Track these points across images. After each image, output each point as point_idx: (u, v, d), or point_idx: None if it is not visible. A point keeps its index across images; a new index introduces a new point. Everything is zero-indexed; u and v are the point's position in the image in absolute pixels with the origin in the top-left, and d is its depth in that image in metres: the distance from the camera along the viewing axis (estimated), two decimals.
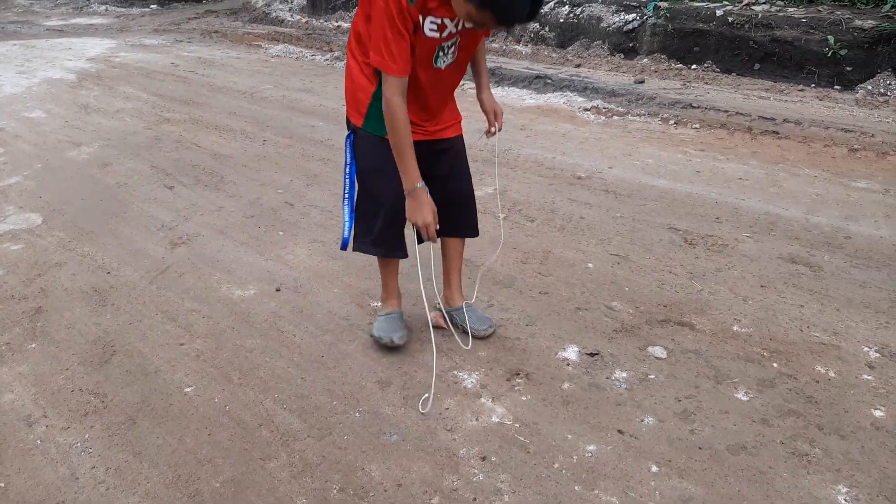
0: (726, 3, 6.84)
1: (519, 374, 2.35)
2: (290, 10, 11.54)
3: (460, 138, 2.37)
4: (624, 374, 2.33)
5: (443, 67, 2.08)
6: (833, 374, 2.32)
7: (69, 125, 5.41)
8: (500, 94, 6.21)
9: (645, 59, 7.06)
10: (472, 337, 2.50)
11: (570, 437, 2.06)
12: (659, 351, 2.46)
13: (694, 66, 6.74)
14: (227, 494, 1.88)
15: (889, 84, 5.65)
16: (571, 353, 2.46)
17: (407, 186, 2.05)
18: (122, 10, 13.37)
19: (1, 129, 5.31)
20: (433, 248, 2.42)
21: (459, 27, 2.00)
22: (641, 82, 6.23)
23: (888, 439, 2.03)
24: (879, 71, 5.74)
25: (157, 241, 3.38)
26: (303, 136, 5.06)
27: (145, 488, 1.90)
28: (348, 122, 2.26)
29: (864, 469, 1.92)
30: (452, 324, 2.59)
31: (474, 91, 2.45)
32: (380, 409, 2.19)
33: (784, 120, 5.01)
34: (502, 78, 6.59)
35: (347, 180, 2.29)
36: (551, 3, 8.01)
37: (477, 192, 2.54)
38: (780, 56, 6.22)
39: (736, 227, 3.41)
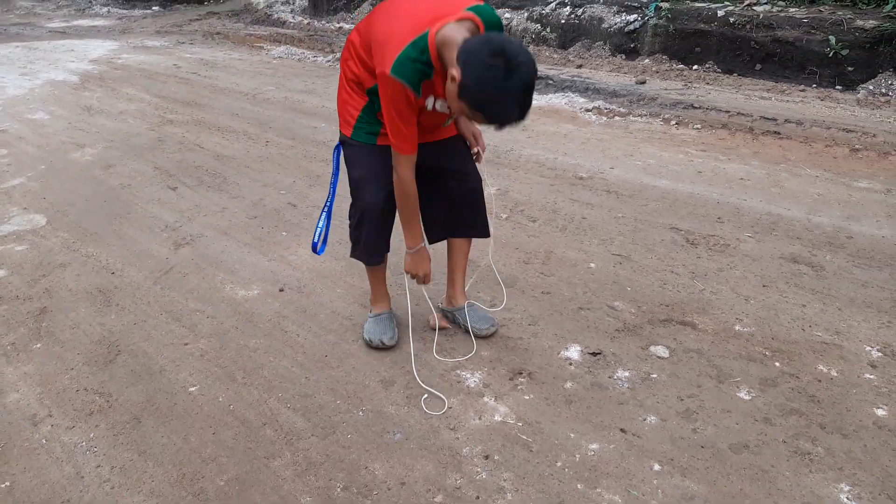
0: (727, 3, 6.85)
1: (521, 373, 2.36)
2: (292, 11, 11.57)
3: (459, 138, 2.38)
4: (626, 374, 2.34)
5: (439, 109, 2.12)
6: (835, 374, 2.32)
7: (72, 127, 5.43)
8: None
9: (646, 60, 7.07)
10: (474, 336, 2.51)
11: (572, 435, 2.07)
12: (661, 350, 2.46)
13: (695, 67, 6.75)
14: (231, 493, 1.89)
15: (890, 84, 5.65)
16: (574, 352, 2.46)
17: (411, 245, 2.25)
18: (124, 11, 13.40)
19: (4, 130, 5.33)
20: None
21: None
22: (643, 83, 6.24)
23: (890, 438, 2.03)
24: (881, 71, 5.75)
25: (161, 242, 3.39)
26: (305, 138, 5.08)
27: (150, 487, 1.92)
28: (340, 133, 2.33)
29: (867, 468, 1.93)
30: (454, 323, 2.61)
31: None
32: (383, 408, 2.21)
33: (785, 120, 5.02)
34: None
35: (331, 189, 2.39)
36: (553, 5, 8.03)
37: None
38: (781, 56, 6.23)
39: (738, 227, 3.42)
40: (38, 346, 2.57)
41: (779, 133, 4.83)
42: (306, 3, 11.46)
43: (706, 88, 6.03)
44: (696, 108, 5.42)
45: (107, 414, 2.20)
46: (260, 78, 7.25)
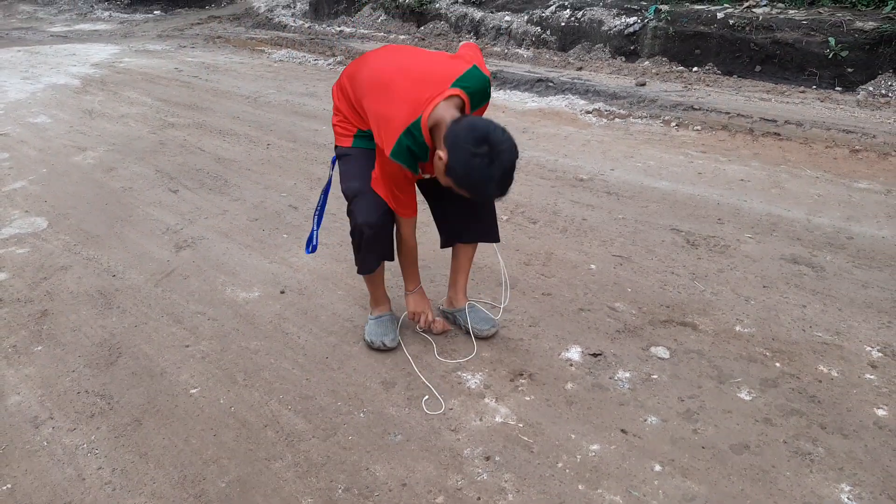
0: (727, 5, 6.86)
1: (522, 374, 2.36)
2: (293, 15, 11.59)
3: None
4: (627, 375, 2.34)
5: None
6: (836, 374, 2.33)
7: (74, 130, 5.44)
8: (502, 97, 6.23)
9: (646, 62, 7.08)
10: (475, 337, 2.52)
11: (573, 436, 2.07)
12: (662, 351, 2.47)
13: (695, 69, 6.76)
14: (232, 495, 1.89)
15: (890, 85, 5.65)
16: (574, 353, 2.47)
17: (411, 288, 2.49)
18: (126, 16, 13.43)
19: (6, 134, 5.34)
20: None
21: None
22: (643, 85, 6.25)
23: (891, 438, 2.03)
24: (880, 72, 5.75)
25: (162, 245, 3.40)
26: (306, 140, 5.09)
27: (151, 489, 1.92)
28: (337, 147, 2.39)
29: (867, 468, 1.93)
30: (455, 325, 2.61)
31: None
32: (384, 409, 2.21)
33: (785, 121, 5.02)
34: (504, 81, 6.61)
35: (322, 196, 2.49)
36: (553, 7, 8.04)
37: None
38: (781, 58, 6.24)
39: (738, 228, 3.42)
40: (40, 348, 2.58)
41: (779, 134, 4.84)
42: (307, 7, 11.49)
43: (706, 90, 6.04)
44: (696, 109, 5.43)
45: (108, 416, 2.21)
46: (261, 81, 7.27)
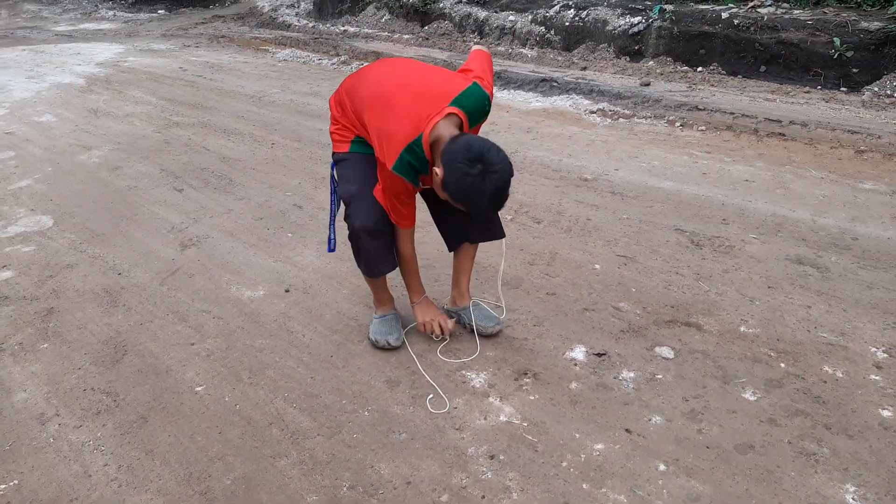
0: (732, 5, 6.85)
1: (527, 373, 2.36)
2: (297, 14, 11.61)
3: None
4: (631, 374, 2.35)
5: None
6: (841, 375, 2.32)
7: (79, 129, 5.46)
8: (506, 96, 6.23)
9: (650, 62, 7.07)
10: (478, 334, 2.52)
11: (577, 436, 2.07)
12: (666, 351, 2.47)
13: (700, 69, 6.75)
14: (238, 492, 1.90)
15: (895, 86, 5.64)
16: (579, 353, 2.47)
17: (415, 299, 2.52)
18: (130, 15, 13.46)
19: (11, 133, 5.36)
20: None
21: None
22: (647, 85, 6.24)
23: None
24: (886, 72, 5.74)
25: (168, 243, 3.41)
26: (311, 140, 5.10)
27: (157, 485, 1.93)
28: (334, 154, 2.42)
29: (872, 468, 1.93)
30: (459, 324, 2.61)
31: None
32: (389, 407, 2.21)
33: (790, 122, 5.01)
34: (508, 81, 6.61)
35: (332, 206, 2.53)
36: (557, 7, 8.04)
37: None
38: (785, 58, 6.22)
39: (743, 229, 3.42)
40: (46, 345, 2.59)
41: (784, 135, 4.83)
42: (311, 7, 11.50)
43: (711, 90, 6.03)
44: (700, 109, 5.42)
45: (114, 413, 2.22)
46: (265, 81, 7.28)
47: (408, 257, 2.40)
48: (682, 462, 1.96)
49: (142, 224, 3.64)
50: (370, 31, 9.98)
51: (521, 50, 8.10)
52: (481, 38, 8.71)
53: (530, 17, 8.29)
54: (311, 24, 10.91)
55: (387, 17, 10.21)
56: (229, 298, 2.90)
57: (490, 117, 2.51)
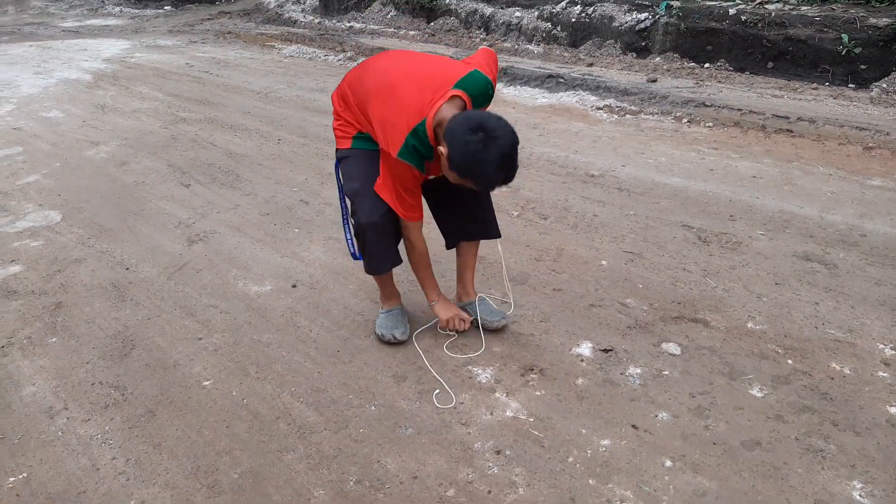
0: (739, 1, 6.82)
1: (533, 369, 2.36)
2: (303, 10, 11.60)
3: None
4: (638, 370, 2.34)
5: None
6: (848, 371, 2.32)
7: (86, 125, 5.47)
8: (512, 93, 6.22)
9: (657, 58, 7.05)
10: (484, 329, 2.53)
11: (584, 431, 2.07)
12: (673, 347, 2.46)
13: (707, 65, 6.72)
14: (245, 486, 1.91)
15: None
16: (585, 349, 2.47)
17: (434, 297, 2.50)
18: (137, 11, 13.48)
19: (20, 128, 5.38)
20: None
21: None
22: (654, 81, 6.22)
23: None
24: (894, 69, 5.70)
25: (175, 238, 3.42)
26: (317, 136, 5.10)
27: (165, 479, 1.94)
28: (337, 151, 2.41)
29: (880, 465, 1.92)
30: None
31: None
32: (395, 402, 2.22)
33: (798, 118, 4.99)
34: (515, 77, 6.59)
35: (343, 205, 2.50)
36: (563, 3, 8.02)
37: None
38: (793, 54, 6.19)
39: (750, 225, 3.40)
40: (54, 340, 2.60)
41: (791, 131, 4.81)
42: (317, 3, 11.49)
43: (718, 87, 6.01)
44: (707, 106, 5.40)
45: (122, 407, 2.23)
46: (271, 77, 7.29)
47: (420, 252, 2.38)
48: (688, 458, 1.96)
49: (149, 219, 3.66)
50: (376, 27, 9.97)
51: (528, 46, 8.08)
52: (487, 34, 8.70)
53: (536, 13, 8.27)
54: (316, 21, 10.91)
55: (393, 13, 10.20)
56: (236, 293, 2.90)
57: (496, 113, 2.50)
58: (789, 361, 2.37)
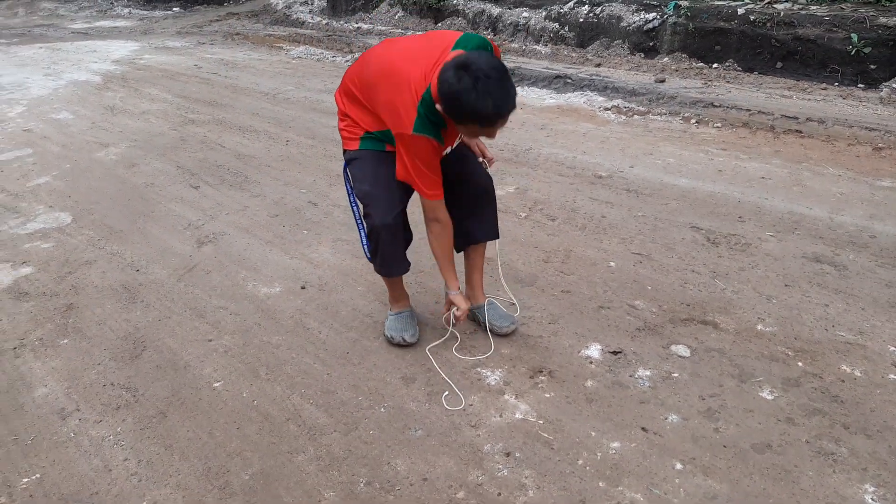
0: (748, 1, 6.79)
1: (542, 371, 2.36)
2: (311, 11, 11.63)
3: (461, 146, 2.44)
4: (647, 373, 2.34)
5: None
6: (859, 374, 2.31)
7: (96, 126, 5.51)
8: (519, 93, 6.21)
9: (665, 58, 7.03)
10: (493, 334, 2.53)
11: (593, 434, 2.07)
12: (682, 349, 2.46)
13: (715, 65, 6.70)
14: (256, 487, 1.92)
15: None
16: (594, 351, 2.47)
17: (456, 286, 2.42)
18: (145, 12, 13.55)
19: (29, 130, 5.42)
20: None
21: None
22: (662, 81, 6.21)
23: None
24: None
25: (185, 240, 3.44)
26: (325, 137, 5.11)
27: (176, 480, 1.95)
28: (344, 152, 2.39)
29: (891, 468, 1.91)
30: (474, 321, 2.62)
31: None
32: (404, 404, 2.22)
33: (807, 119, 4.97)
34: (522, 78, 6.59)
35: (354, 207, 2.46)
36: (571, 3, 8.01)
37: (498, 192, 2.56)
38: (802, 54, 6.16)
39: (759, 227, 3.39)
40: (66, 341, 2.62)
41: (800, 132, 4.79)
42: (325, 4, 11.52)
43: (726, 87, 5.99)
44: (716, 106, 5.38)
45: (133, 408, 2.24)
46: (280, 78, 7.31)
47: (447, 235, 2.31)
48: (698, 461, 1.96)
49: (159, 221, 3.68)
50: (384, 27, 9.98)
51: (535, 46, 8.07)
52: (495, 35, 8.69)
53: (544, 13, 8.27)
54: (324, 22, 10.94)
55: (400, 13, 10.21)
56: (246, 295, 2.92)
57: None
58: (799, 364, 2.36)
